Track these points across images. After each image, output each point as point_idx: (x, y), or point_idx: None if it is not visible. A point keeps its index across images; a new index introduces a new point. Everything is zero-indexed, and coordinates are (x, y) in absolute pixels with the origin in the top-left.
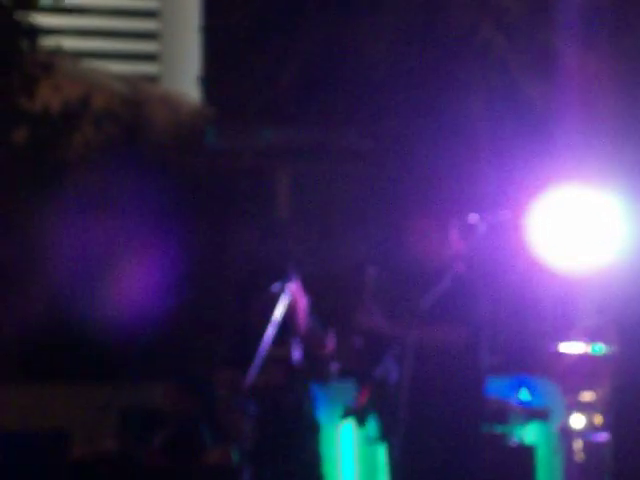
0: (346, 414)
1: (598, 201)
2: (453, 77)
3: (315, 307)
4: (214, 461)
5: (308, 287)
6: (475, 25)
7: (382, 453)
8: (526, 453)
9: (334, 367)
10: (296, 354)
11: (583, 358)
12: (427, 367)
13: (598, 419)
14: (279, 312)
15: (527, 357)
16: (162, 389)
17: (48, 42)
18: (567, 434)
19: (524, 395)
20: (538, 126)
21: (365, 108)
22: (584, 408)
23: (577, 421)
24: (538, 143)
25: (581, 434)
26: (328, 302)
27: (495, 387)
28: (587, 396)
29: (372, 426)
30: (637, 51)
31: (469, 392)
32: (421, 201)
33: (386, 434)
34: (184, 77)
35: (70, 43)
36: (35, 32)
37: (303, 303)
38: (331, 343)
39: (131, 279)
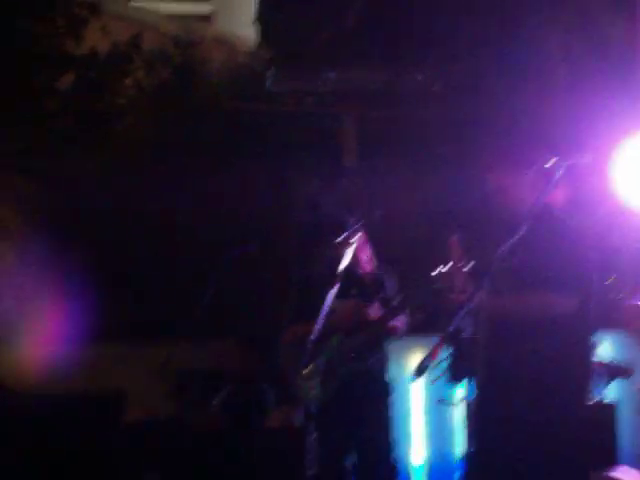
0: (418, 372)
1: None
2: (528, 16)
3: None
4: (277, 424)
5: (377, 237)
6: None
7: (453, 413)
8: (607, 411)
9: (405, 322)
10: (369, 311)
11: None
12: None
13: None
14: (344, 264)
15: (608, 312)
16: (223, 348)
17: None
18: None
19: (605, 352)
20: (619, 67)
21: (435, 48)
22: None
23: None
24: (619, 84)
25: None
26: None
27: None
28: None
29: (444, 385)
30: None
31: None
32: (497, 146)
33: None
34: (239, 16)
35: None
36: None
37: (367, 255)
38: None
39: (190, 233)
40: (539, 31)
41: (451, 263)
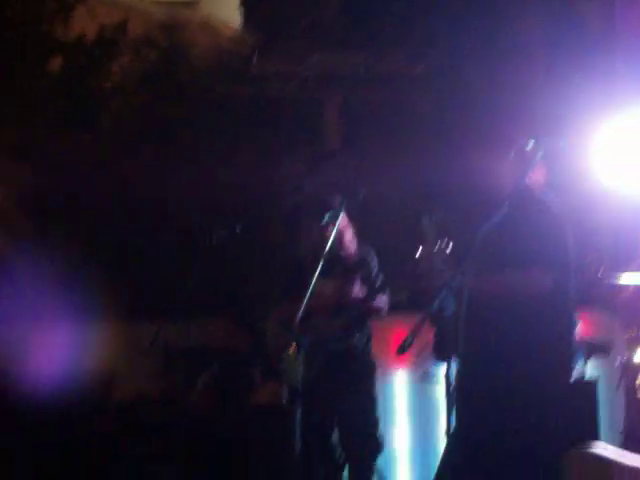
0: (400, 350)
1: None
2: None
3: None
4: (263, 400)
5: (359, 218)
6: None
7: (437, 390)
8: (588, 388)
9: (387, 301)
10: (352, 292)
11: None
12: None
13: None
14: (328, 244)
15: (586, 290)
16: (211, 327)
17: None
18: (628, 369)
19: (584, 330)
20: (598, 50)
21: (416, 31)
22: None
23: (638, 355)
24: (598, 67)
25: None
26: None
27: None
28: None
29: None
30: None
31: (557, 342)
32: (476, 128)
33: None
34: (224, 1)
35: None
36: None
37: (350, 236)
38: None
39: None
40: (519, 12)
41: (431, 243)
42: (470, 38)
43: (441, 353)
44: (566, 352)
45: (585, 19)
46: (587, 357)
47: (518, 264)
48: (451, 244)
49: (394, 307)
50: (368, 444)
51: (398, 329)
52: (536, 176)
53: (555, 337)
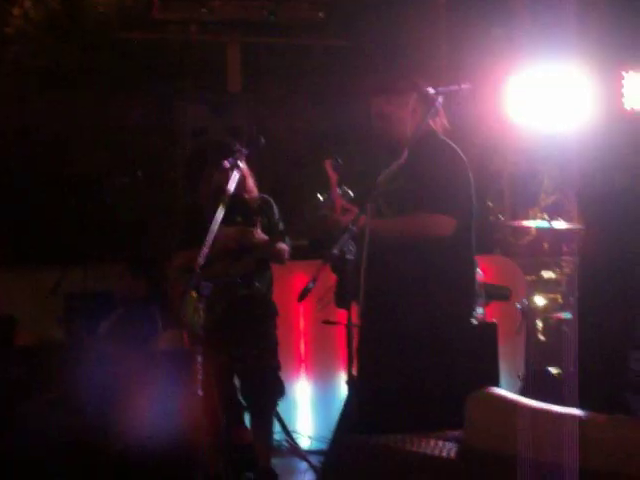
0: (303, 294)
1: (566, 74)
2: None
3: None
4: (165, 345)
5: (261, 164)
6: None
7: (339, 334)
8: (488, 330)
9: (289, 246)
10: (255, 233)
11: (544, 235)
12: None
13: (559, 298)
14: (230, 189)
15: (486, 234)
16: (112, 272)
17: None
18: (528, 313)
19: (484, 274)
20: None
21: None
22: (545, 286)
23: (538, 300)
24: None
25: (542, 313)
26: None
27: None
28: (548, 274)
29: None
30: None
31: (459, 285)
32: (379, 74)
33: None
34: None
35: None
36: None
37: (252, 181)
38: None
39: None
40: None
41: (332, 190)
42: None
43: (343, 299)
44: (466, 295)
45: None
46: (487, 301)
47: (420, 207)
48: (351, 191)
49: (296, 253)
50: (269, 388)
51: (299, 275)
52: (439, 121)
53: (455, 280)
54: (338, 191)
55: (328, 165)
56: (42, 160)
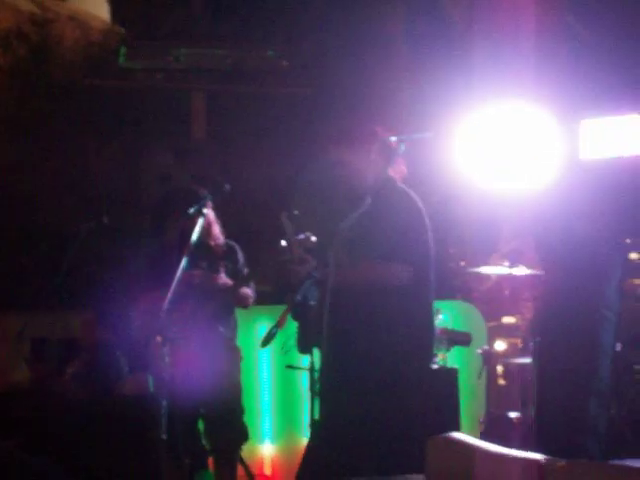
0: (266, 339)
1: (525, 119)
2: None
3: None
4: (130, 391)
5: (226, 211)
6: None
7: (301, 379)
8: (449, 375)
9: (253, 291)
10: (220, 279)
11: (504, 281)
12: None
13: (519, 343)
14: (195, 236)
15: (448, 281)
16: (78, 319)
17: None
18: (489, 358)
19: (445, 319)
20: (459, 46)
21: (281, 27)
22: (506, 332)
23: (499, 345)
24: (460, 63)
25: (503, 358)
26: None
27: None
28: (509, 320)
29: (293, 351)
30: None
31: (418, 330)
32: (340, 123)
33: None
34: None
35: None
36: None
37: (217, 227)
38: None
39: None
40: (383, 7)
41: (293, 235)
42: (335, 33)
43: (305, 344)
44: (425, 341)
45: (447, 18)
46: (449, 346)
47: (380, 255)
48: (313, 236)
49: (259, 298)
50: (233, 432)
51: (264, 319)
52: (398, 169)
53: (414, 325)
54: (300, 236)
55: (283, 217)
56: (10, 207)
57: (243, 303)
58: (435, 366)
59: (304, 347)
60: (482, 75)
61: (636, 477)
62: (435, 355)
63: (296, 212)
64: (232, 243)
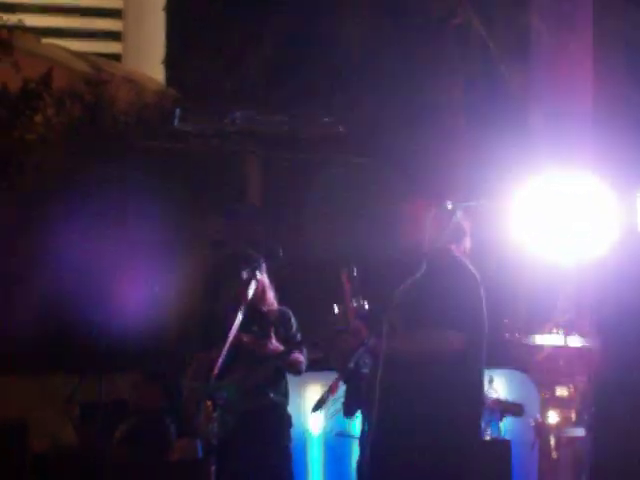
0: (317, 406)
1: (584, 189)
2: (430, 62)
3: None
4: (178, 455)
5: (280, 276)
6: (453, 9)
7: (351, 446)
8: (502, 447)
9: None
10: (270, 344)
11: (558, 352)
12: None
13: (573, 415)
14: (248, 299)
15: (501, 351)
16: (127, 382)
17: (7, 18)
18: (542, 429)
19: (499, 390)
20: (517, 112)
21: (339, 93)
22: (559, 403)
23: (552, 416)
24: (518, 130)
25: (556, 429)
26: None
27: None
28: (562, 391)
29: (342, 419)
30: (617, 34)
31: (468, 399)
32: (399, 189)
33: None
34: (148, 57)
35: (31, 20)
36: None
37: (270, 293)
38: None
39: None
40: (442, 80)
41: (348, 302)
42: (394, 100)
43: (351, 408)
44: (477, 412)
45: (506, 83)
46: (501, 417)
47: (434, 323)
48: (367, 303)
49: (312, 365)
50: None
51: (315, 385)
52: (462, 246)
53: (467, 397)
54: (353, 303)
55: (344, 276)
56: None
57: (294, 369)
58: (487, 437)
59: (350, 411)
60: (540, 144)
61: None
62: (487, 426)
63: (355, 272)
64: (285, 309)
